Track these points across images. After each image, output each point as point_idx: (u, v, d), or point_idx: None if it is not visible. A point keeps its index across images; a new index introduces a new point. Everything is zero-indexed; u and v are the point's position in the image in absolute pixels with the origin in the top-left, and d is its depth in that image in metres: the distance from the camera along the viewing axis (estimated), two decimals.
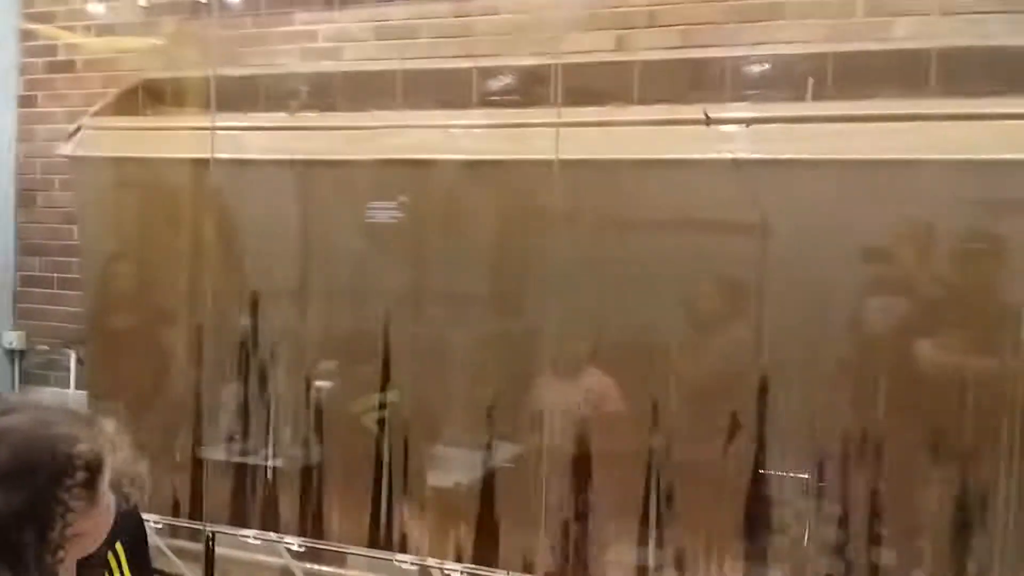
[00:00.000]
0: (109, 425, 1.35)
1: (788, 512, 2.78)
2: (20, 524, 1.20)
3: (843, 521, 2.71)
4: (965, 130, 2.52)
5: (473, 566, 2.85)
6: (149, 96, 3.86)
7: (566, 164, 2.79)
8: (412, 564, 2.99)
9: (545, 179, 2.92)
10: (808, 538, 2.73)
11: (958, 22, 2.73)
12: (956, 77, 2.57)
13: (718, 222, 2.85)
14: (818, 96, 2.74)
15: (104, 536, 1.35)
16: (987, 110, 2.51)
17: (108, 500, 1.32)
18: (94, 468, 1.28)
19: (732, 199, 2.81)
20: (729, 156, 2.69)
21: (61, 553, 1.23)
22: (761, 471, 2.83)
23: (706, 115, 2.59)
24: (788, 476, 2.78)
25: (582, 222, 2.97)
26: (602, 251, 2.98)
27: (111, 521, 1.34)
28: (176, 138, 3.69)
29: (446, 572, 2.88)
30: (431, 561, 2.93)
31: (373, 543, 3.21)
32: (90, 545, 1.32)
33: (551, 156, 2.74)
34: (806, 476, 2.74)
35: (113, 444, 1.33)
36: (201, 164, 3.55)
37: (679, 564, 2.87)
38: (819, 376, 2.74)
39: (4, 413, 1.27)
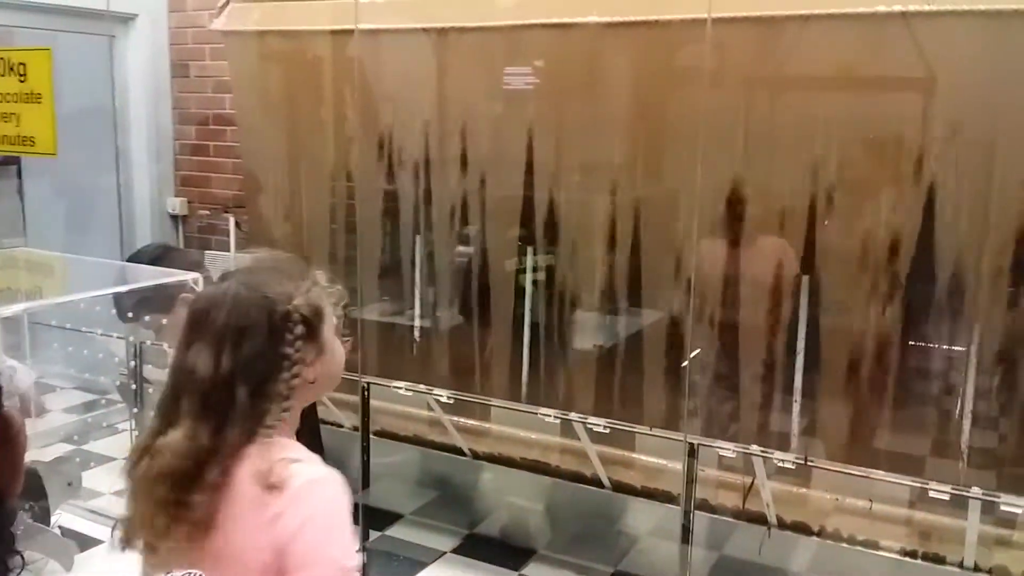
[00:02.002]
0: (321, 277, 1.44)
1: (940, 383, 2.75)
2: (233, 383, 1.30)
3: (999, 393, 2.67)
4: None
5: (615, 421, 2.95)
6: None
7: (718, 21, 2.71)
8: (555, 418, 3.12)
9: (695, 38, 2.84)
10: (960, 411, 2.70)
11: None
12: None
13: (881, 79, 2.74)
14: None
15: (337, 381, 1.47)
16: None
17: (334, 347, 1.42)
18: (313, 320, 1.37)
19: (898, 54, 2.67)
20: (898, 9, 2.54)
21: (287, 403, 1.35)
22: (914, 342, 2.80)
23: None
24: (942, 348, 2.74)
25: (733, 82, 2.90)
26: (754, 112, 2.91)
27: (342, 366, 1.45)
28: (319, 9, 3.75)
29: (588, 426, 3.01)
30: (573, 415, 3.06)
31: (518, 399, 3.37)
32: (321, 391, 1.44)
33: (703, 14, 2.65)
34: (962, 348, 2.68)
35: (330, 294, 1.43)
36: (344, 34, 3.63)
37: (822, 433, 2.90)
38: (986, 246, 2.64)
39: (222, 280, 1.37)
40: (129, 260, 3.48)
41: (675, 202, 3.07)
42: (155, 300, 2.34)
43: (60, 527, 1.81)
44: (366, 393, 3.44)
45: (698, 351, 2.96)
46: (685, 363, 2.93)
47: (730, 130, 2.90)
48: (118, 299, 1.79)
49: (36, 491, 1.58)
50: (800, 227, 2.88)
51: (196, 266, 2.72)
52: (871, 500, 2.80)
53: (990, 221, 2.63)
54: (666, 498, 3.13)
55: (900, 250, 2.74)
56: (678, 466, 2.83)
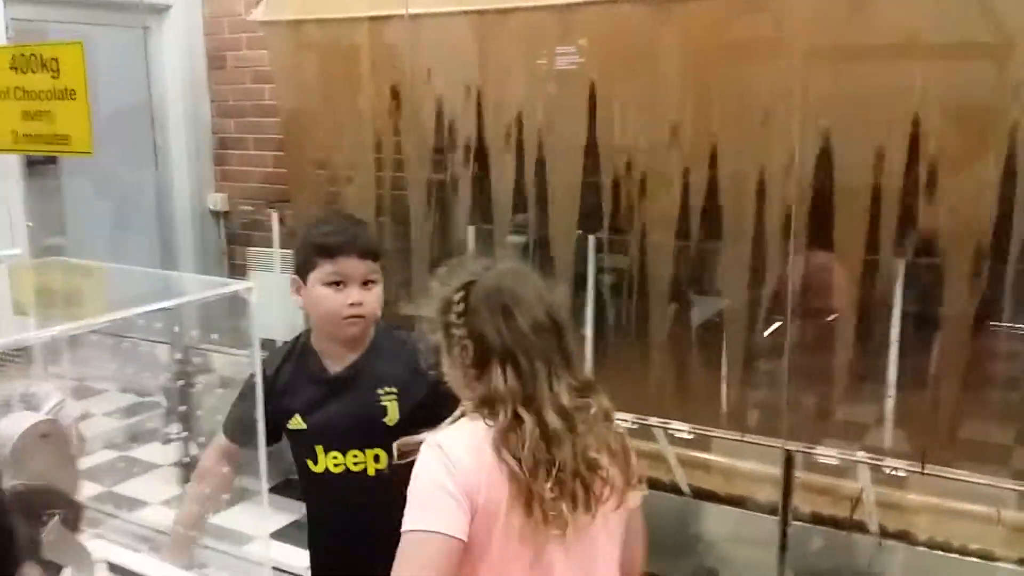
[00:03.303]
0: None
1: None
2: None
3: None
4: None
5: (700, 427, 2.74)
6: None
7: None
8: (633, 424, 2.92)
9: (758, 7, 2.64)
10: None
11: None
12: None
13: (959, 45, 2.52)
14: None
15: None
16: None
17: None
18: None
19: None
20: None
21: None
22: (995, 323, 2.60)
23: None
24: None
25: (793, 54, 2.68)
26: (818, 85, 2.69)
27: None
28: None
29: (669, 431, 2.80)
30: (653, 420, 2.85)
31: None
32: None
33: None
34: None
35: None
36: (385, 20, 3.48)
37: (902, 423, 2.69)
38: None
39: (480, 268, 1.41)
40: None
41: (749, 183, 2.86)
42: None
43: (109, 562, 1.65)
44: None
45: (785, 344, 2.75)
46: (766, 332, 2.73)
47: (814, 104, 2.68)
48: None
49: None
50: (892, 209, 2.66)
51: None
52: (994, 508, 2.55)
53: None
54: (753, 505, 2.91)
55: (1011, 228, 2.50)
56: (761, 469, 2.63)
